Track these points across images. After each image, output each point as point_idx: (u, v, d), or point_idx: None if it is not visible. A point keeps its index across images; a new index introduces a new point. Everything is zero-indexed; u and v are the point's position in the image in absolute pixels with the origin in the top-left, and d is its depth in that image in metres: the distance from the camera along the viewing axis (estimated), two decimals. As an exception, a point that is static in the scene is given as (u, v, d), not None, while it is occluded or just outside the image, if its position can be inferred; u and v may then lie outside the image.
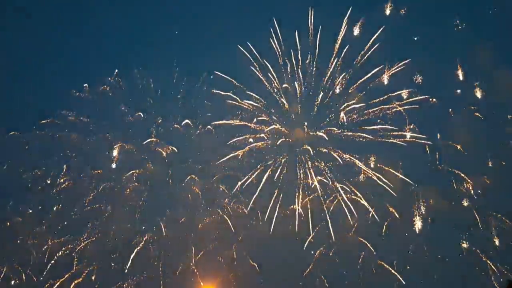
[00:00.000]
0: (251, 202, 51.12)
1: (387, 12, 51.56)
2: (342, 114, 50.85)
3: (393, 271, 49.49)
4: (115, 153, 52.79)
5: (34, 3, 57.38)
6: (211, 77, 53.40)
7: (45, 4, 57.80)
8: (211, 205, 53.13)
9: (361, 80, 51.21)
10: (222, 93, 52.47)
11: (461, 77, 51.67)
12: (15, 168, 52.34)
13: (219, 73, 52.65)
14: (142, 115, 54.27)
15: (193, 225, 53.48)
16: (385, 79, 51.19)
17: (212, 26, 57.57)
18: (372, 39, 50.79)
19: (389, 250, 50.10)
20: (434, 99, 50.73)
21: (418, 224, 49.87)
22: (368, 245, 49.69)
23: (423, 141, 50.04)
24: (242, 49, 52.04)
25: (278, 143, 51.97)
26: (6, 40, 56.40)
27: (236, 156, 51.85)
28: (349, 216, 49.69)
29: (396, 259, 49.77)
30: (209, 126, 52.88)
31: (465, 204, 50.73)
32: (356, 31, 51.52)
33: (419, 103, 50.43)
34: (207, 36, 57.55)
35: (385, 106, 50.78)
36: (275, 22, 52.23)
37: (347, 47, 51.38)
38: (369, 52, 50.96)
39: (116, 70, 54.60)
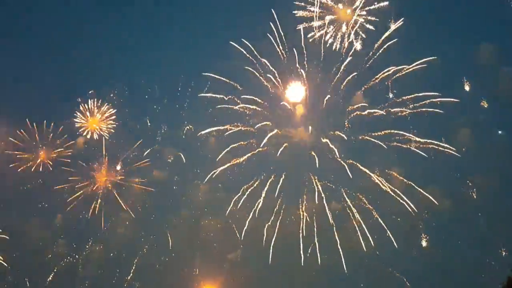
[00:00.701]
0: (255, 207, 50.92)
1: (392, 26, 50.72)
2: (346, 123, 50.77)
3: (397, 274, 49.92)
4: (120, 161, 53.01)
5: (42, 8, 56.81)
6: (209, 83, 52.90)
7: (52, 10, 57.22)
8: (215, 210, 53.28)
9: (367, 85, 51.00)
10: (225, 98, 52.06)
11: (467, 88, 51.61)
12: (19, 175, 52.32)
13: (223, 78, 52.26)
14: (149, 122, 54.33)
15: (197, 230, 53.78)
16: (393, 82, 50.82)
17: (214, 25, 56.88)
18: (379, 41, 50.43)
19: (394, 253, 50.18)
20: (439, 102, 50.25)
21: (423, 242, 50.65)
22: (373, 245, 49.68)
23: (430, 146, 49.80)
24: (240, 48, 51.29)
25: (282, 148, 51.52)
26: (11, 44, 55.90)
27: (239, 161, 51.66)
28: (354, 221, 49.81)
29: (401, 263, 50.05)
30: (213, 132, 52.48)
31: (470, 207, 50.96)
32: (358, 45, 50.90)
33: (426, 107, 50.14)
34: (207, 38, 56.70)
35: (391, 110, 50.51)
36: (275, 15, 51.09)
37: (354, 47, 51.00)
38: (378, 53, 50.58)
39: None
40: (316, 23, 50.77)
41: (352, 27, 50.49)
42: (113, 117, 53.62)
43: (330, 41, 50.86)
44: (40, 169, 52.14)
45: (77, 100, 52.69)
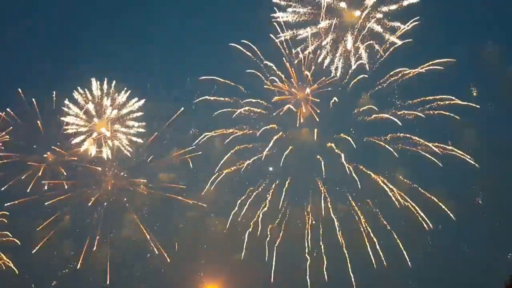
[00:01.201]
0: (260, 210, 50.96)
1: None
2: (353, 126, 50.39)
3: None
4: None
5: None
6: (215, 87, 52.59)
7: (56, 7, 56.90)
8: (221, 213, 53.28)
9: (375, 88, 50.37)
10: (230, 101, 51.83)
11: (477, 91, 50.90)
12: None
13: (227, 81, 52.01)
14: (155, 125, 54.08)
15: (203, 233, 54.14)
16: (402, 84, 50.11)
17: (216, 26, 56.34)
18: (387, 42, 49.52)
19: (399, 256, 50.02)
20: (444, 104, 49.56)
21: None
22: (378, 248, 49.43)
23: (437, 150, 49.31)
24: (244, 50, 50.81)
25: (287, 151, 51.22)
26: (15, 38, 55.70)
27: (244, 164, 51.55)
28: (360, 225, 49.73)
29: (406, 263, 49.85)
30: (218, 135, 52.31)
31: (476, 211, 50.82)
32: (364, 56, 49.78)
33: (433, 110, 49.53)
34: (211, 40, 56.16)
35: (399, 112, 49.90)
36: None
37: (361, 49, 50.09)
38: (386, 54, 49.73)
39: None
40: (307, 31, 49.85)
41: (360, 32, 48.98)
42: (139, 114, 52.23)
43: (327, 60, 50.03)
44: (46, 188, 51.81)
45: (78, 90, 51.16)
